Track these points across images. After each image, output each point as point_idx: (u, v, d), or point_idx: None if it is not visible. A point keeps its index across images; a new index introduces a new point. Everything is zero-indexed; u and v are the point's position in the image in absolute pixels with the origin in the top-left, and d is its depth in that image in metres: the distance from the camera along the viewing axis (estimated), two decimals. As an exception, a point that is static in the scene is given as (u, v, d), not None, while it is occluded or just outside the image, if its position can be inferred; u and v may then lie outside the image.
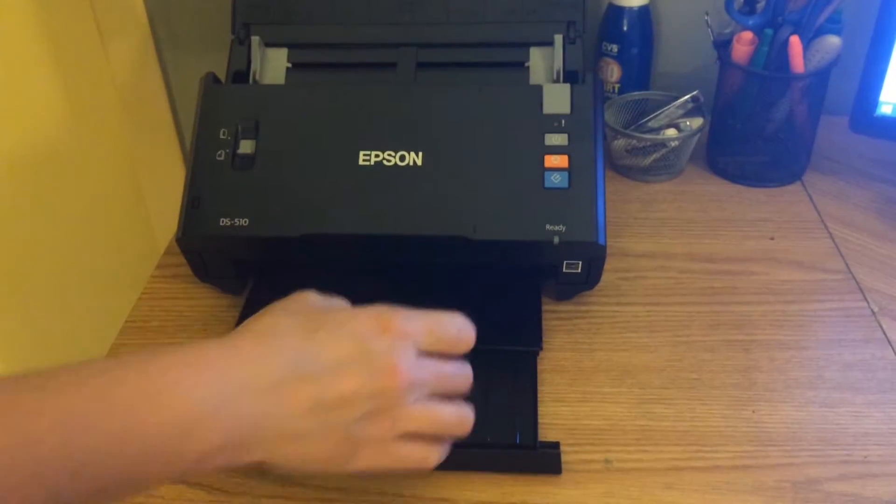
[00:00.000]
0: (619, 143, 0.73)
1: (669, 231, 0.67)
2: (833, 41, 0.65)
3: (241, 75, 0.63)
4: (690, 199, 0.71)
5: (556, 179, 0.53)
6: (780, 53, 0.66)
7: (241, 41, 0.64)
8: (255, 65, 0.63)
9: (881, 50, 0.63)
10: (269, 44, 0.64)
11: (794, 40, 0.64)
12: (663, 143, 0.72)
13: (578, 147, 0.54)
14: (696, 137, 0.73)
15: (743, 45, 0.67)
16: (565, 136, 0.54)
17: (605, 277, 0.58)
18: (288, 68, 0.64)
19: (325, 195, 0.54)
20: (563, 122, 0.54)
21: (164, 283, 0.63)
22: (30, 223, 0.81)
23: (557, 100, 0.55)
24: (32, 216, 0.80)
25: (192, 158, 0.56)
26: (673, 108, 0.75)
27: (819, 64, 0.66)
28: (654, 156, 0.72)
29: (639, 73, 0.78)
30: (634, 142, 0.72)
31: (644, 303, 0.60)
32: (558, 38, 0.61)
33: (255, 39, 0.63)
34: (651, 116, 0.75)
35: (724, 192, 0.72)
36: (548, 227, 0.52)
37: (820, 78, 0.67)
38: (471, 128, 0.55)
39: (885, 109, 0.65)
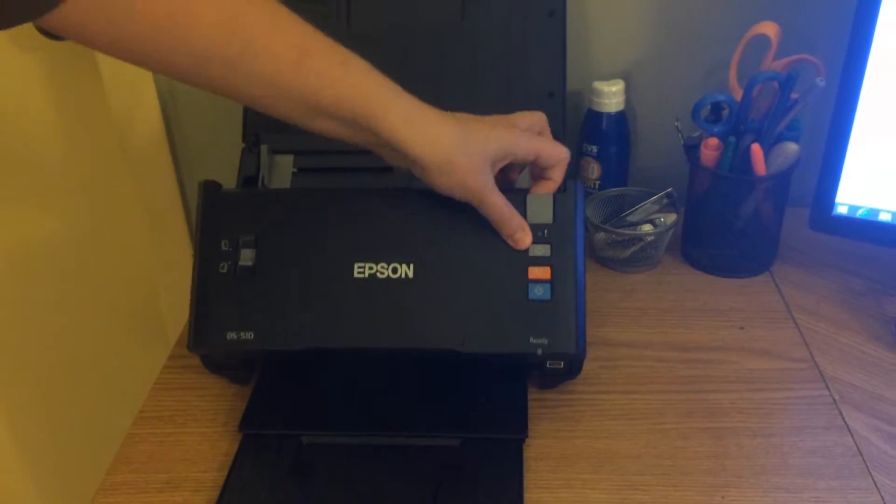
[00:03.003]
0: (600, 237, 0.79)
1: (647, 320, 0.72)
2: (791, 147, 0.71)
3: (250, 180, 0.68)
4: (667, 290, 0.76)
5: (539, 292, 0.57)
6: (744, 158, 0.72)
7: (250, 149, 0.70)
8: (264, 170, 0.68)
9: (835, 155, 0.69)
10: (276, 151, 0.70)
11: (756, 148, 0.70)
12: (640, 238, 0.77)
13: (560, 259, 0.57)
14: (670, 232, 0.78)
15: (710, 150, 0.73)
16: (548, 246, 0.57)
17: (587, 366, 0.63)
18: (294, 173, 0.69)
19: (323, 308, 0.58)
20: (545, 231, 0.57)
21: (175, 374, 0.67)
22: (45, 313, 0.85)
23: (540, 209, 0.58)
24: (48, 306, 0.84)
25: (196, 271, 0.59)
26: (649, 204, 0.80)
27: (780, 167, 0.72)
28: (633, 249, 0.78)
29: (617, 170, 0.84)
30: (614, 236, 0.78)
31: (623, 391, 0.64)
32: None
33: (263, 148, 0.69)
34: (629, 211, 0.81)
35: (698, 283, 0.77)
36: (532, 339, 0.56)
37: (781, 179, 0.73)
38: (459, 238, 0.58)
39: (841, 210, 0.70)
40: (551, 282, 0.57)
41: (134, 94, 0.84)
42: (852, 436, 0.59)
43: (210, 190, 0.62)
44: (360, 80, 0.52)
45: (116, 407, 0.68)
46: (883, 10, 0.64)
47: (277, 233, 0.60)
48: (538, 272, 0.57)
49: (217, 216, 0.60)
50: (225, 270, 0.59)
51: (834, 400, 0.62)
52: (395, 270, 0.58)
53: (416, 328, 0.57)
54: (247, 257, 0.59)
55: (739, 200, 0.75)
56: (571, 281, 0.57)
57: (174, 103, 0.87)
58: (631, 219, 0.81)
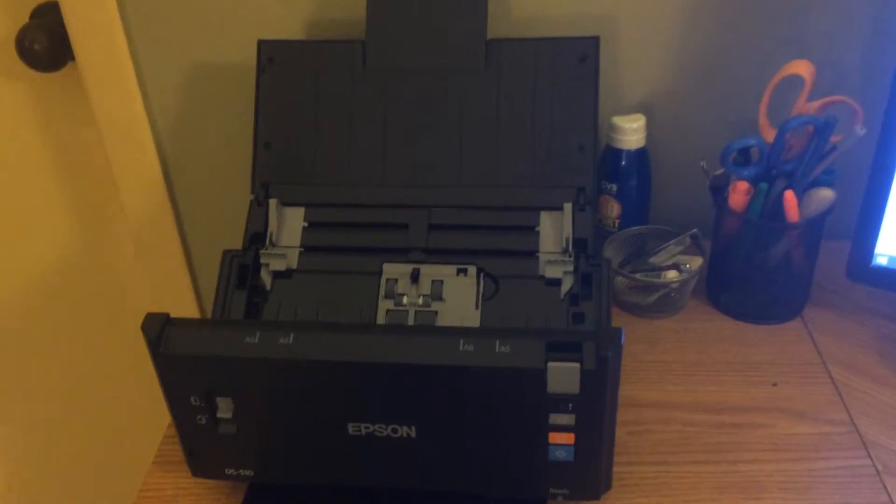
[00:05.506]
0: (622, 281, 0.75)
1: (674, 377, 0.69)
2: (826, 194, 0.67)
3: (258, 237, 0.65)
4: (693, 339, 0.73)
5: (560, 455, 0.51)
6: (776, 203, 0.68)
7: (259, 202, 0.66)
8: (272, 225, 0.65)
9: (875, 204, 0.65)
10: (286, 203, 0.66)
11: (789, 195, 0.66)
12: (664, 284, 0.73)
13: (587, 427, 0.50)
14: (696, 278, 0.74)
15: (739, 195, 0.69)
16: (573, 417, 0.49)
17: (614, 432, 0.60)
18: (304, 227, 0.66)
19: (318, 456, 0.54)
20: (570, 405, 0.49)
21: (175, 445, 0.63)
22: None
23: (565, 380, 0.48)
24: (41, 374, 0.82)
25: (174, 421, 0.54)
26: (672, 245, 0.77)
27: (813, 213, 0.68)
28: (657, 295, 0.74)
29: (637, 209, 0.80)
30: (637, 282, 0.74)
31: (652, 462, 0.61)
32: (567, 206, 0.63)
33: (272, 202, 0.65)
34: (652, 253, 0.77)
35: (725, 330, 0.73)
36: (551, 490, 0.53)
37: (814, 225, 0.69)
38: (467, 404, 0.50)
39: (880, 261, 0.66)
40: (575, 446, 0.51)
41: (130, 142, 0.80)
42: (899, 514, 0.56)
43: (156, 349, 0.50)
44: None
45: (118, 482, 0.65)
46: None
47: (249, 391, 0.52)
48: (560, 438, 0.50)
49: (173, 375, 0.51)
50: (203, 422, 0.52)
51: (877, 471, 0.59)
52: (395, 431, 0.51)
53: (425, 474, 0.54)
54: (224, 409, 0.52)
55: (769, 246, 0.71)
56: (599, 444, 0.51)
57: (174, 154, 0.83)
58: (654, 261, 0.77)
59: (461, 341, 0.48)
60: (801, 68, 0.66)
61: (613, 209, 0.80)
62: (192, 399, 0.52)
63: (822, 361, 0.69)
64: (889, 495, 0.57)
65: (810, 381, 0.67)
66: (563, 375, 0.47)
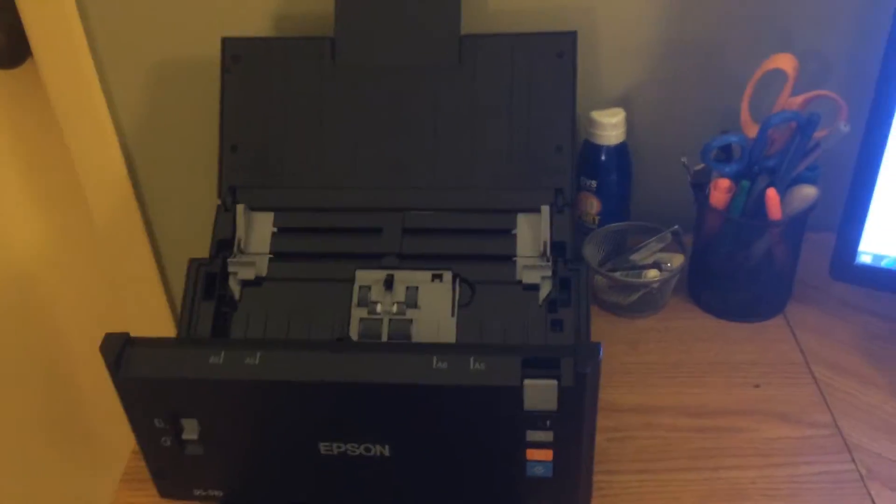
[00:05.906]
0: (602, 280, 0.74)
1: (656, 379, 0.67)
2: (809, 192, 0.66)
3: (225, 244, 0.63)
4: (675, 338, 0.71)
5: (538, 471, 0.50)
6: (758, 200, 0.66)
7: (227, 207, 0.64)
8: (241, 232, 0.63)
9: (859, 201, 0.64)
10: (254, 208, 0.64)
11: (771, 192, 0.65)
12: (645, 284, 0.72)
13: (565, 443, 0.49)
14: (677, 276, 0.73)
15: (720, 192, 0.68)
16: (550, 433, 0.48)
17: (594, 439, 0.58)
18: (274, 233, 0.64)
19: (289, 476, 0.52)
20: (548, 421, 0.47)
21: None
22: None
23: (542, 397, 0.46)
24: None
25: (138, 443, 0.52)
26: (654, 242, 0.75)
27: (796, 210, 0.67)
28: (638, 294, 0.73)
29: (618, 205, 0.78)
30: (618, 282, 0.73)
31: (634, 470, 0.59)
32: (545, 209, 0.61)
33: (240, 207, 0.63)
34: (633, 251, 0.76)
35: (707, 329, 0.72)
36: None
37: (797, 222, 0.68)
38: (441, 421, 0.49)
39: (864, 259, 0.65)
40: (553, 462, 0.49)
41: (94, 142, 0.78)
42: (883, 521, 0.55)
43: (116, 373, 0.48)
44: None
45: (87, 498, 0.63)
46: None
47: (218, 408, 0.50)
48: (538, 454, 0.49)
49: (138, 390, 0.49)
50: (168, 444, 0.50)
51: (861, 475, 0.58)
52: (368, 450, 0.49)
53: (400, 493, 0.52)
54: (190, 430, 0.50)
55: (751, 243, 0.69)
56: (578, 458, 0.50)
57: (141, 154, 0.80)
58: (635, 258, 0.75)
59: (434, 359, 0.46)
60: (784, 63, 0.65)
61: (593, 206, 0.78)
62: (155, 421, 0.50)
63: (805, 360, 0.68)
64: (873, 501, 0.56)
65: (792, 382, 0.66)
66: (541, 393, 0.46)
